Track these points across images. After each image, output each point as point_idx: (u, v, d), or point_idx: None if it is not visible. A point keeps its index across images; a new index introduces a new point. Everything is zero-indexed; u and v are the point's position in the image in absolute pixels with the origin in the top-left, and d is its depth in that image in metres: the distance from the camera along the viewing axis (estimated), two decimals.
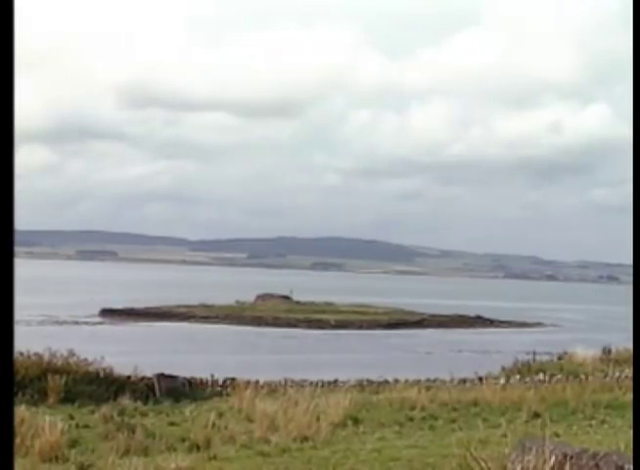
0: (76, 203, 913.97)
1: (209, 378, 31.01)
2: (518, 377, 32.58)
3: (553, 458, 8.31)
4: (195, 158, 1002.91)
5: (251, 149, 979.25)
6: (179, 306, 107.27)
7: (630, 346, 34.80)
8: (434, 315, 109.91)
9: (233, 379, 31.13)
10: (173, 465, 13.13)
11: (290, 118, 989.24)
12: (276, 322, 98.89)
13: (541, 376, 32.44)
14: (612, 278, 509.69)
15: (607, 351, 40.88)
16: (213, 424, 19.33)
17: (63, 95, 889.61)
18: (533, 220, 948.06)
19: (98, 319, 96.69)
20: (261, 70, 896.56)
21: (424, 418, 22.06)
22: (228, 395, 28.15)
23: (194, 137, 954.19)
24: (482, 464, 8.68)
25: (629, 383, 25.80)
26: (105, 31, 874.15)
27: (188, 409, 22.90)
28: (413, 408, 23.47)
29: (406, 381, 33.54)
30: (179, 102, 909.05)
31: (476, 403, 24.27)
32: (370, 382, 33.38)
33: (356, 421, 20.74)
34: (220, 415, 21.51)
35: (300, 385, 31.19)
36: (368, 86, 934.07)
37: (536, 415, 21.41)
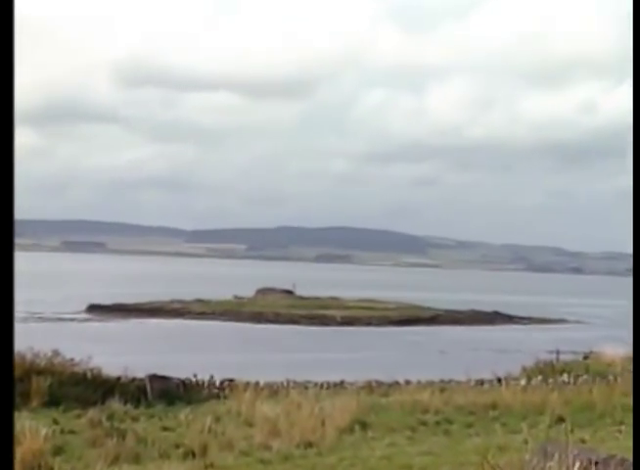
0: (63, 190, 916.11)
1: (206, 379, 31.04)
2: (540, 378, 32.53)
3: (577, 464, 8.28)
4: (194, 141, 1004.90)
5: (254, 131, 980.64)
6: (173, 302, 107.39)
7: None
8: (448, 311, 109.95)
9: (231, 380, 31.16)
10: None
11: (297, 99, 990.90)
12: (277, 319, 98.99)
13: (565, 377, 32.40)
14: None
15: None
16: (210, 429, 19.34)
17: (52, 73, 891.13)
18: (558, 208, 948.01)
19: (85, 316, 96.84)
20: (268, 47, 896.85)
21: (438, 422, 22.06)
22: (226, 397, 28.19)
23: (193, 119, 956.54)
24: None
25: None
26: (99, 5, 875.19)
27: (182, 413, 22.90)
28: (426, 412, 23.47)
29: (418, 382, 33.56)
30: (178, 81, 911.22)
31: (494, 407, 24.25)
32: (379, 383, 33.39)
33: (364, 426, 20.73)
34: (217, 419, 21.52)
35: (304, 386, 31.24)
36: (382, 64, 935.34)
37: (560, 419, 21.36)
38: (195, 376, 30.94)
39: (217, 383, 30.98)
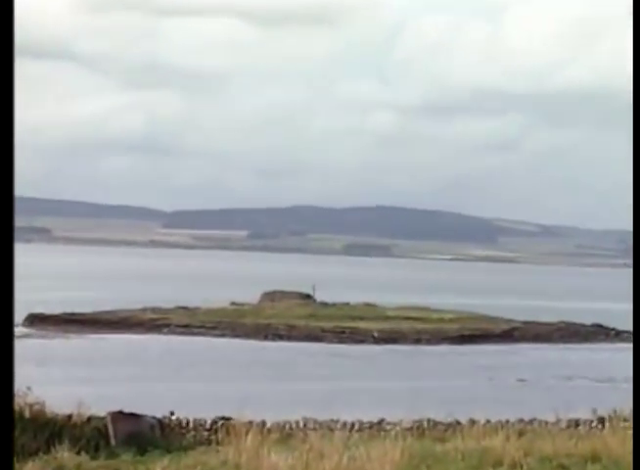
0: None
1: (192, 418, 31.09)
2: None
3: None
4: (180, 87, 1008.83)
5: (265, 74, 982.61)
6: (146, 311, 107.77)
7: None
8: (529, 323, 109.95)
9: (227, 419, 31.20)
10: None
11: (324, 28, 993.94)
12: (291, 333, 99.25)
13: None
14: None
15: None
16: None
17: None
18: None
19: (22, 330, 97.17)
20: None
21: None
22: (220, 443, 28.20)
23: (179, 56, 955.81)
24: None
25: None
26: None
27: (159, 465, 22.91)
28: (499, 464, 23.38)
29: (488, 422, 33.48)
30: (160, 2, 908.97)
31: (595, 458, 24.11)
32: (433, 423, 33.40)
33: None
34: None
35: (328, 428, 31.23)
36: None
37: None
38: (172, 414, 30.97)
39: (208, 423, 31.03)
